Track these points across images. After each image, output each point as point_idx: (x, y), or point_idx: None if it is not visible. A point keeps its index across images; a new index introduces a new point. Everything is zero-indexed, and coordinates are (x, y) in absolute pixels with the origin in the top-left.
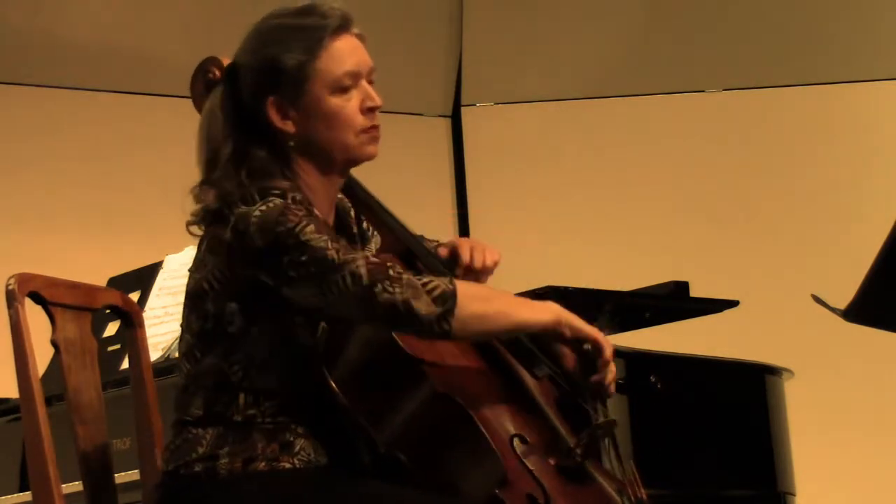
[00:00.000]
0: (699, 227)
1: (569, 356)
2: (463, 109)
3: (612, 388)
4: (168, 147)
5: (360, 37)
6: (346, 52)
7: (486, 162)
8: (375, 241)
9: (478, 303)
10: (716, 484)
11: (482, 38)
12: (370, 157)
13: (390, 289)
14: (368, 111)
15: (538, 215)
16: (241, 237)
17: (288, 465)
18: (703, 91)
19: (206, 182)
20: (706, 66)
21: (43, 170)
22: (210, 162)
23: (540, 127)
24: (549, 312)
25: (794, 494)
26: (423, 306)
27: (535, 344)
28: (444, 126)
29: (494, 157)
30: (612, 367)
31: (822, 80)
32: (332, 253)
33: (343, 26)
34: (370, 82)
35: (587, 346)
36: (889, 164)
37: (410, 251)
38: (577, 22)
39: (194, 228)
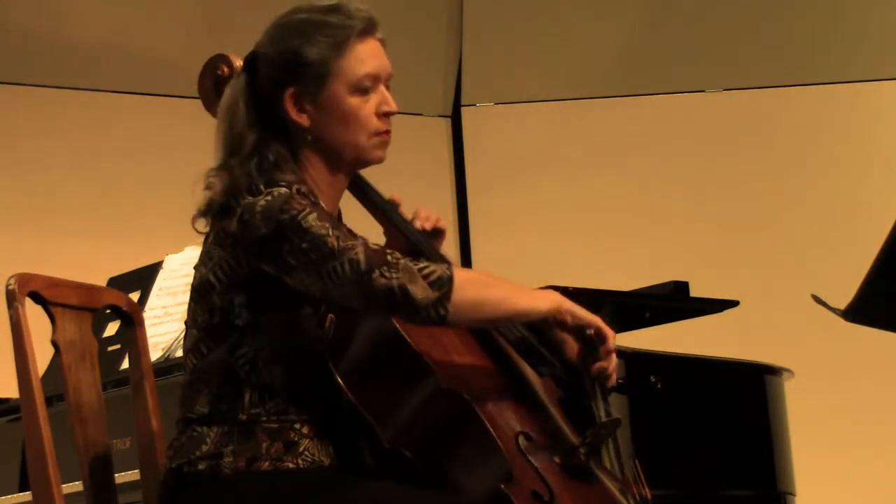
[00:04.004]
0: (699, 227)
1: (571, 344)
2: (463, 109)
3: (614, 377)
4: (168, 147)
5: (382, 41)
6: (369, 55)
7: (486, 162)
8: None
9: (474, 288)
10: (716, 484)
11: (482, 38)
12: (378, 161)
13: (387, 274)
14: (384, 115)
15: (538, 215)
16: (245, 226)
17: (292, 466)
18: (703, 91)
19: (224, 167)
20: (706, 66)
21: (43, 170)
22: (233, 147)
23: (540, 127)
24: (547, 301)
25: (794, 494)
26: (420, 291)
27: (537, 335)
28: (444, 126)
29: (494, 157)
30: (615, 356)
31: (822, 80)
32: (332, 240)
33: (368, 29)
34: (387, 87)
35: (590, 332)
36: (889, 165)
37: (417, 251)
38: (576, 22)
39: (199, 224)
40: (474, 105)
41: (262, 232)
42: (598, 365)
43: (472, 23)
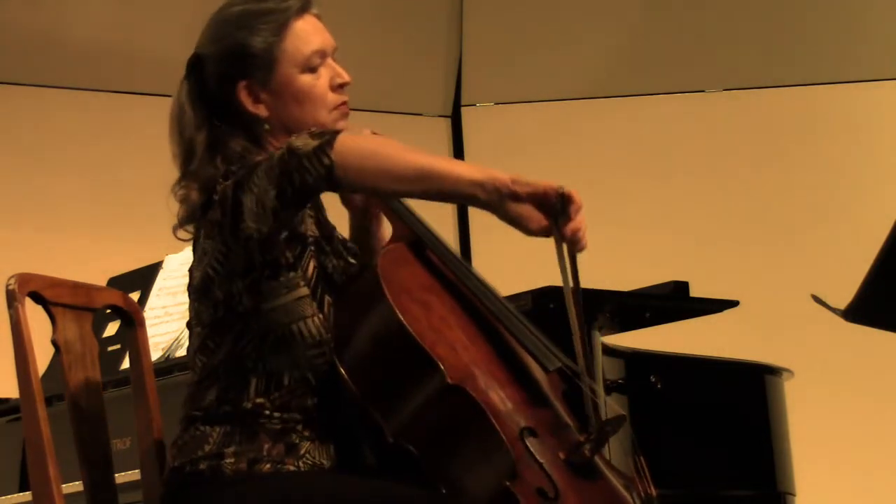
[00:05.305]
0: (699, 227)
1: (534, 217)
2: (463, 109)
3: (586, 237)
4: (168, 147)
5: (318, 17)
6: (311, 32)
7: (486, 162)
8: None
9: (368, 141)
10: (716, 484)
11: (482, 38)
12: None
13: (283, 146)
14: (339, 87)
15: None
16: (222, 205)
17: (293, 468)
18: (703, 91)
19: (186, 175)
20: (706, 66)
21: (43, 169)
22: (187, 154)
23: (540, 127)
24: (479, 171)
25: (794, 494)
26: (300, 141)
27: (542, 334)
28: (444, 126)
29: (494, 157)
30: (583, 212)
31: (821, 81)
32: (260, 157)
33: (304, 7)
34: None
35: (562, 192)
36: (889, 165)
37: (420, 239)
38: (576, 22)
39: (181, 233)
40: (474, 105)
41: (230, 195)
42: (570, 226)
43: (472, 23)
